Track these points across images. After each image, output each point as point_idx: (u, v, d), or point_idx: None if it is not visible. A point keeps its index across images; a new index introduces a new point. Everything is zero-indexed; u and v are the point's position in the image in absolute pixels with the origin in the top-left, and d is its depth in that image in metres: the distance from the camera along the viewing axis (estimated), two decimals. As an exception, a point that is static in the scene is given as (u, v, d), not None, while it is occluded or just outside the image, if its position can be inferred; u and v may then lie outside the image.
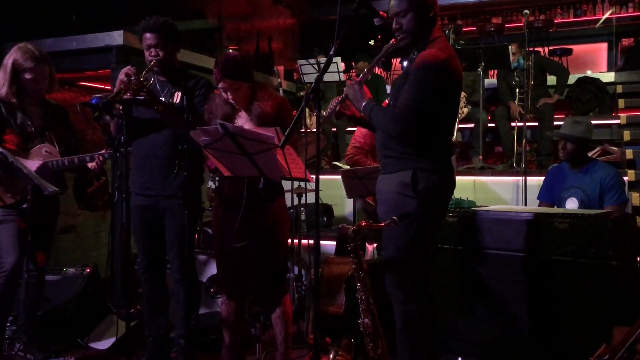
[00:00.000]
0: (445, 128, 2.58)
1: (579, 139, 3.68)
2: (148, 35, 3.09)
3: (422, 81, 2.40)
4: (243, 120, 3.03)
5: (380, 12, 2.58)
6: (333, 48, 2.34)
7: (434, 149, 2.49)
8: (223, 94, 2.97)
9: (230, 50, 2.98)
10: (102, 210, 5.50)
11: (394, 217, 2.38)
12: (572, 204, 3.67)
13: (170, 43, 3.14)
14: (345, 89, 2.63)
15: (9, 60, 3.23)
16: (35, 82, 3.27)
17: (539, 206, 3.97)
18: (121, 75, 2.94)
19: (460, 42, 6.81)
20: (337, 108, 2.66)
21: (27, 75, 3.24)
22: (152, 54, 3.10)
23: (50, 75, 3.34)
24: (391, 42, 2.55)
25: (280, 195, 3.12)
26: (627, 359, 2.13)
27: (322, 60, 6.01)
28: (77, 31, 5.07)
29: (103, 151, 3.34)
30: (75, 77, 5.58)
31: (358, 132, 4.32)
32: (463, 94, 5.69)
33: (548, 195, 3.87)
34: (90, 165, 3.28)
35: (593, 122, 6.07)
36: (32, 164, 3.20)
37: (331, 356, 2.54)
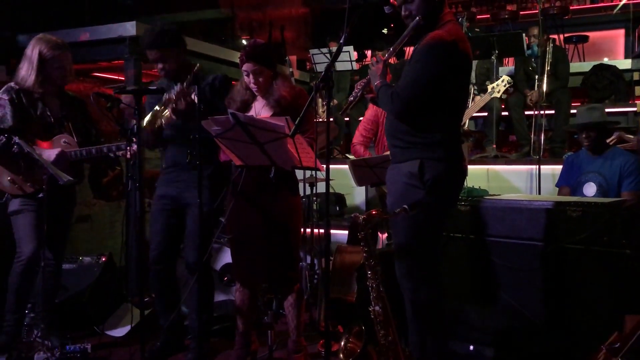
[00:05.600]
0: (453, 115, 2.55)
1: (599, 123, 3.73)
2: (149, 52, 3.16)
3: (424, 62, 2.39)
4: (260, 105, 3.05)
5: (391, 0, 2.57)
6: (343, 37, 2.33)
7: (441, 137, 2.46)
8: (245, 77, 2.99)
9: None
10: (117, 200, 5.56)
11: (404, 206, 2.37)
12: (590, 189, 3.68)
13: (172, 51, 3.17)
14: (369, 69, 2.62)
15: (33, 51, 3.24)
16: (62, 69, 3.30)
17: (559, 192, 3.95)
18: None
19: (476, 30, 6.73)
20: (360, 93, 2.64)
21: (55, 64, 3.26)
22: (159, 67, 3.19)
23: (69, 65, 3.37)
24: (417, 19, 2.46)
25: (294, 186, 3.14)
26: (638, 346, 2.12)
27: (335, 49, 5.99)
28: (91, 22, 5.11)
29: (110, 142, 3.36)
30: (89, 68, 5.62)
31: (362, 121, 4.29)
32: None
33: (567, 180, 3.88)
34: (122, 153, 3.30)
35: (608, 110, 5.99)
36: (49, 154, 3.23)
37: (342, 343, 2.55)
